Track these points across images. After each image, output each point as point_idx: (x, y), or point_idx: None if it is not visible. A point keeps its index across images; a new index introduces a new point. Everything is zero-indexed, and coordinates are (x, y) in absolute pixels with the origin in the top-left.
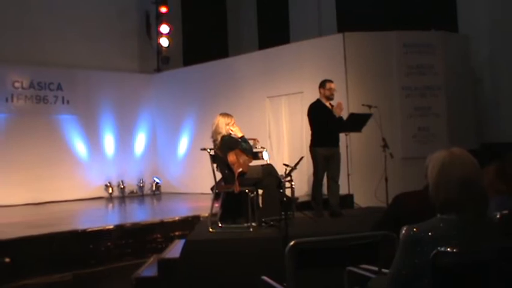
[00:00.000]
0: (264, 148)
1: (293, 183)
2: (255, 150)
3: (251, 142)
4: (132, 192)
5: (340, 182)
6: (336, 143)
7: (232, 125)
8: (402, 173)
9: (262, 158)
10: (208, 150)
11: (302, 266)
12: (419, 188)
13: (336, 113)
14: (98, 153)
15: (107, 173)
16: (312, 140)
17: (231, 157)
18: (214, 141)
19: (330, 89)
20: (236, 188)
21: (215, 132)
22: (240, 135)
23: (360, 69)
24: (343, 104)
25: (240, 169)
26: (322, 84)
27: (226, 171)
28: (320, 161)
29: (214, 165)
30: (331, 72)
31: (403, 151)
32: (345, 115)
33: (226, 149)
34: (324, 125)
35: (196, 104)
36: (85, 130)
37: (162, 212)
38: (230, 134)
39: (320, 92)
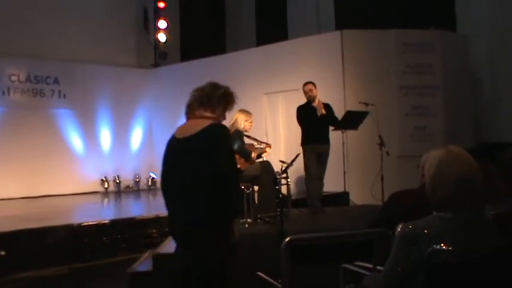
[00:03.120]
0: (266, 151)
1: (289, 180)
2: (257, 147)
3: (262, 145)
4: (127, 187)
5: (335, 180)
6: (324, 140)
7: (250, 122)
8: (398, 171)
9: (262, 157)
10: None
11: (297, 263)
12: (415, 187)
13: (318, 111)
14: (94, 147)
15: (103, 167)
16: (302, 139)
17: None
18: None
19: (306, 92)
20: None
21: (232, 126)
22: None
23: (357, 67)
24: (320, 102)
25: (238, 166)
26: (303, 87)
27: None
28: (310, 158)
29: None
30: (328, 70)
31: (399, 149)
32: (341, 112)
33: (233, 142)
34: (308, 124)
35: None
36: (81, 124)
37: (157, 207)
38: (246, 130)
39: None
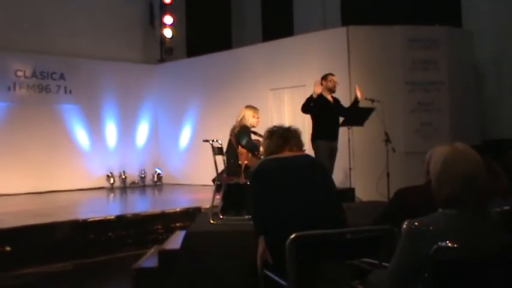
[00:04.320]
0: None
1: None
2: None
3: None
4: (133, 182)
5: (341, 176)
6: (336, 136)
7: (257, 118)
8: (404, 167)
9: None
10: (211, 142)
11: (303, 259)
12: (421, 183)
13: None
14: (100, 143)
15: (108, 163)
16: (312, 133)
17: (242, 148)
18: (234, 129)
19: (332, 81)
20: (242, 180)
21: (240, 122)
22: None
23: (363, 63)
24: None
25: (245, 162)
26: (324, 77)
27: (232, 160)
28: (324, 155)
29: (216, 156)
30: (334, 66)
31: (405, 146)
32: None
33: (241, 137)
34: (321, 117)
35: (199, 96)
36: (87, 120)
37: (163, 203)
38: (254, 126)
39: (322, 85)
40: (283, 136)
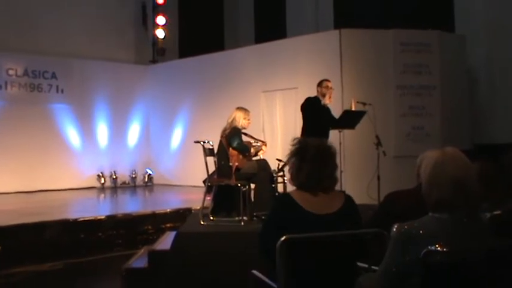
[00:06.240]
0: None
1: (285, 178)
2: (254, 145)
3: (258, 143)
4: (124, 183)
5: None
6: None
7: (248, 120)
8: (395, 171)
9: (258, 156)
10: (202, 143)
11: (292, 261)
12: (412, 187)
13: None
14: (91, 143)
15: (99, 163)
16: (302, 135)
17: (233, 150)
18: (224, 130)
19: (327, 87)
20: (233, 181)
21: (231, 124)
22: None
23: (355, 67)
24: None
25: (236, 164)
26: (320, 84)
27: (223, 162)
28: None
29: (207, 158)
30: (326, 69)
31: (396, 149)
32: (339, 111)
33: (232, 138)
34: (317, 120)
35: (191, 97)
36: (79, 120)
37: (153, 203)
38: (244, 128)
39: (317, 91)
40: (316, 166)
